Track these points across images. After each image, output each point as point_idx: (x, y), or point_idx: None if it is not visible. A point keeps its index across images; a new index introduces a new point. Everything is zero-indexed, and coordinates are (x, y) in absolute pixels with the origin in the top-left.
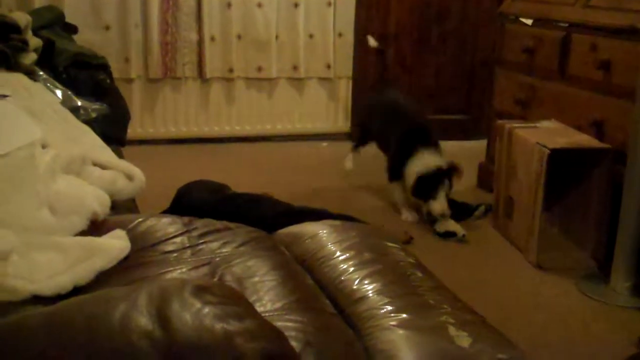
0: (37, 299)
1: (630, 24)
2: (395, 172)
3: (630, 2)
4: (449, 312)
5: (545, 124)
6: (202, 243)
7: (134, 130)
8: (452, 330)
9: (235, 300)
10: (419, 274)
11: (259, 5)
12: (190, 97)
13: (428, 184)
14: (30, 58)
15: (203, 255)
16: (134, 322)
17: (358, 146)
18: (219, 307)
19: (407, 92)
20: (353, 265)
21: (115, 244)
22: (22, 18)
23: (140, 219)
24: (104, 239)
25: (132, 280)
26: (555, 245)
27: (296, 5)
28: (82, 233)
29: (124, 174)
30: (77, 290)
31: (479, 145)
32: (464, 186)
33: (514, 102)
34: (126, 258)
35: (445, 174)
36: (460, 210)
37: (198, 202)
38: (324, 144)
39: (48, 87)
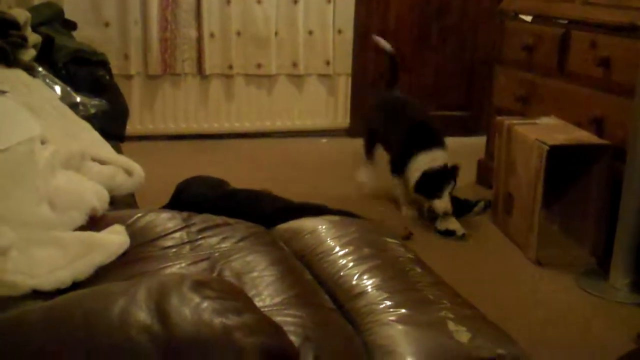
0: (36, 294)
1: (630, 21)
2: (398, 166)
3: None
4: (448, 308)
5: (544, 120)
6: (201, 238)
7: (134, 126)
8: (451, 326)
9: (234, 295)
10: (418, 270)
11: (259, 1)
12: (190, 93)
13: (433, 182)
14: (29, 54)
15: (202, 250)
16: (133, 317)
17: (368, 152)
18: (218, 301)
19: (407, 89)
20: (352, 261)
21: (114, 239)
22: (21, 14)
23: (139, 214)
24: (103, 234)
25: (131, 275)
26: (555, 242)
27: (295, 1)
28: (82, 228)
29: (123, 169)
30: (76, 285)
31: (478, 142)
32: (464, 182)
33: (514, 98)
34: (125, 253)
35: (451, 172)
36: (459, 207)
37: (197, 198)
38: (323, 140)
39: (47, 83)
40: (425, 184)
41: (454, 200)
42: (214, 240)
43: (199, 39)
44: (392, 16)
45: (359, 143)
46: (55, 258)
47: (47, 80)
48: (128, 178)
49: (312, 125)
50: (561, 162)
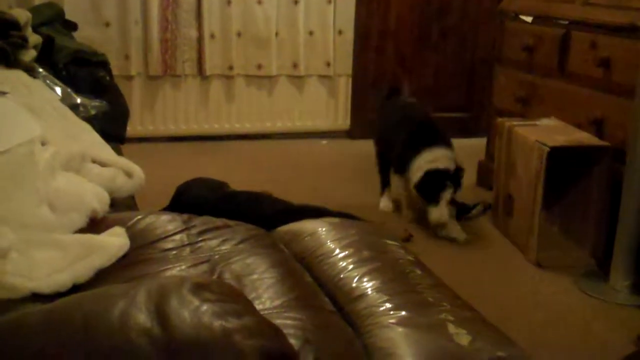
0: (36, 297)
1: (630, 21)
2: (401, 164)
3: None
4: (448, 310)
5: (545, 121)
6: (201, 240)
7: (134, 127)
8: (451, 328)
9: (234, 298)
10: (418, 272)
11: (259, 2)
12: (190, 94)
13: (432, 184)
14: (29, 55)
15: (202, 252)
16: (132, 319)
17: (383, 175)
18: (218, 304)
19: (407, 89)
20: (352, 263)
21: (114, 242)
22: (21, 15)
23: (139, 217)
24: (103, 237)
25: (131, 277)
26: (555, 244)
27: (296, 2)
28: (82, 230)
29: (123, 171)
30: (76, 288)
31: (478, 143)
32: (464, 184)
33: (514, 99)
34: (125, 255)
35: (453, 177)
36: (457, 209)
37: (197, 200)
38: (324, 141)
39: (47, 84)
40: (426, 184)
41: (453, 203)
42: (214, 242)
43: (200, 40)
44: (393, 17)
45: (359, 145)
46: (55, 260)
47: (48, 81)
48: (128, 180)
49: (313, 126)
50: (561, 163)
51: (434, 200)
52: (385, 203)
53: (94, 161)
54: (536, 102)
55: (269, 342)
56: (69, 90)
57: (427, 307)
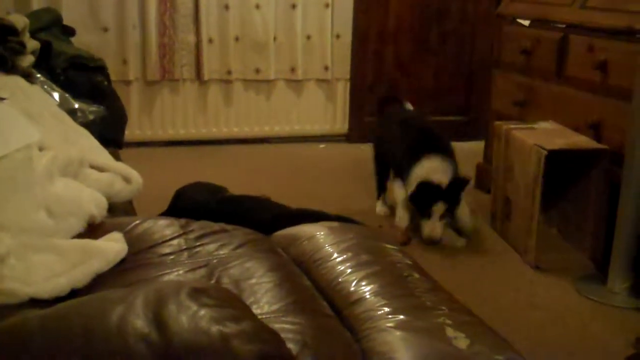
0: (34, 302)
1: (628, 25)
2: (401, 171)
3: (627, 3)
4: (447, 314)
5: (542, 125)
6: (199, 245)
7: (132, 132)
8: (449, 332)
9: (231, 303)
10: (416, 276)
11: (257, 6)
12: (188, 99)
13: (424, 197)
14: (27, 60)
15: (200, 257)
16: (130, 324)
17: (379, 180)
18: (216, 309)
19: (406, 93)
20: (350, 267)
21: (112, 247)
22: (19, 20)
23: (137, 222)
24: (101, 242)
25: (129, 282)
26: (553, 246)
27: (294, 6)
28: (80, 235)
29: (121, 176)
30: (74, 293)
31: (476, 146)
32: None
33: (512, 103)
34: (123, 260)
35: (445, 192)
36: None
37: (195, 204)
38: (322, 145)
39: (45, 90)
40: (419, 197)
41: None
42: (212, 247)
43: (198, 44)
44: (391, 20)
45: (357, 149)
46: (53, 265)
47: (45, 87)
48: (126, 185)
49: (311, 130)
50: (559, 166)
51: (426, 214)
52: (381, 207)
53: (91, 166)
54: (534, 105)
55: (267, 346)
56: (66, 95)
57: (425, 310)
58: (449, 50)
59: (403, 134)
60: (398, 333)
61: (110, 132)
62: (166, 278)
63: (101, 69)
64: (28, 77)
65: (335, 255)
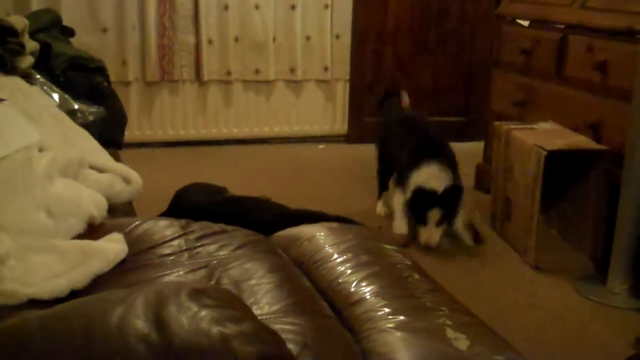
0: (34, 303)
1: (627, 25)
2: (400, 179)
3: (627, 3)
4: (447, 314)
5: (542, 125)
6: (199, 246)
7: (132, 133)
8: (449, 333)
9: (232, 304)
10: (416, 276)
11: (256, 7)
12: (188, 99)
13: (419, 204)
14: (27, 61)
15: (200, 258)
16: (131, 325)
17: (381, 180)
18: (216, 310)
19: (406, 96)
20: (350, 268)
21: (112, 247)
22: (18, 21)
23: (137, 222)
24: (101, 242)
25: (129, 283)
26: (553, 247)
27: (293, 7)
28: (80, 236)
29: (121, 177)
30: (74, 294)
31: (476, 147)
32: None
33: (512, 103)
34: (123, 261)
35: (440, 198)
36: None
37: (195, 205)
38: (321, 146)
39: (45, 91)
40: (415, 203)
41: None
42: (212, 247)
43: (197, 45)
44: (390, 21)
45: (356, 149)
46: (53, 266)
47: (45, 88)
48: (126, 186)
49: (310, 131)
50: (559, 167)
51: (422, 220)
52: (381, 208)
53: (91, 167)
54: (534, 105)
55: (267, 347)
56: (66, 96)
57: (425, 311)
58: (449, 51)
59: (404, 140)
60: (398, 334)
61: (109, 133)
62: (166, 279)
63: (101, 69)
64: (27, 78)
65: (335, 256)
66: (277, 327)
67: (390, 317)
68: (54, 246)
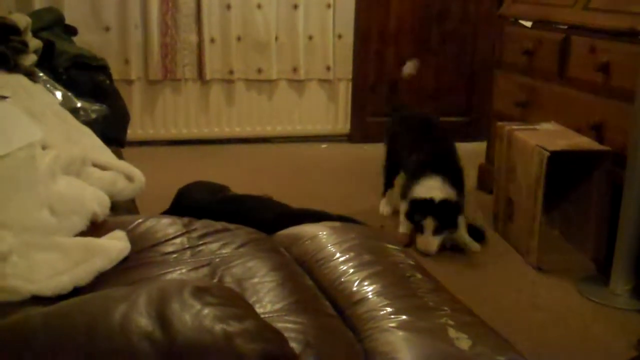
0: (37, 300)
1: (630, 26)
2: (404, 190)
3: (630, 4)
4: (449, 314)
5: (545, 126)
6: (201, 244)
7: (134, 131)
8: (451, 332)
9: (234, 302)
10: (419, 276)
11: (259, 6)
12: (190, 98)
13: (416, 211)
14: (30, 59)
15: (203, 256)
16: (134, 323)
17: (387, 178)
18: (219, 308)
19: (407, 93)
20: (353, 267)
21: (115, 245)
22: (21, 20)
23: (140, 220)
24: (104, 240)
25: (131, 281)
26: (555, 248)
27: (295, 6)
28: (82, 234)
29: (123, 175)
30: (77, 291)
31: (478, 147)
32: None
33: (514, 104)
34: (126, 259)
35: (436, 207)
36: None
37: (198, 203)
38: (324, 145)
39: (48, 89)
40: (411, 211)
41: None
42: (214, 246)
43: (200, 44)
44: (393, 20)
45: (359, 149)
46: (55, 263)
47: (48, 86)
48: (129, 184)
49: (313, 130)
50: (561, 167)
51: (419, 229)
52: (384, 207)
53: (94, 165)
54: (536, 106)
55: (270, 345)
56: (69, 94)
57: (427, 311)
58: (450, 51)
59: (416, 142)
60: (400, 333)
61: (112, 131)
62: (169, 276)
63: (103, 68)
64: (30, 75)
65: (338, 255)
66: (279, 325)
67: (392, 316)
68: (56, 243)
